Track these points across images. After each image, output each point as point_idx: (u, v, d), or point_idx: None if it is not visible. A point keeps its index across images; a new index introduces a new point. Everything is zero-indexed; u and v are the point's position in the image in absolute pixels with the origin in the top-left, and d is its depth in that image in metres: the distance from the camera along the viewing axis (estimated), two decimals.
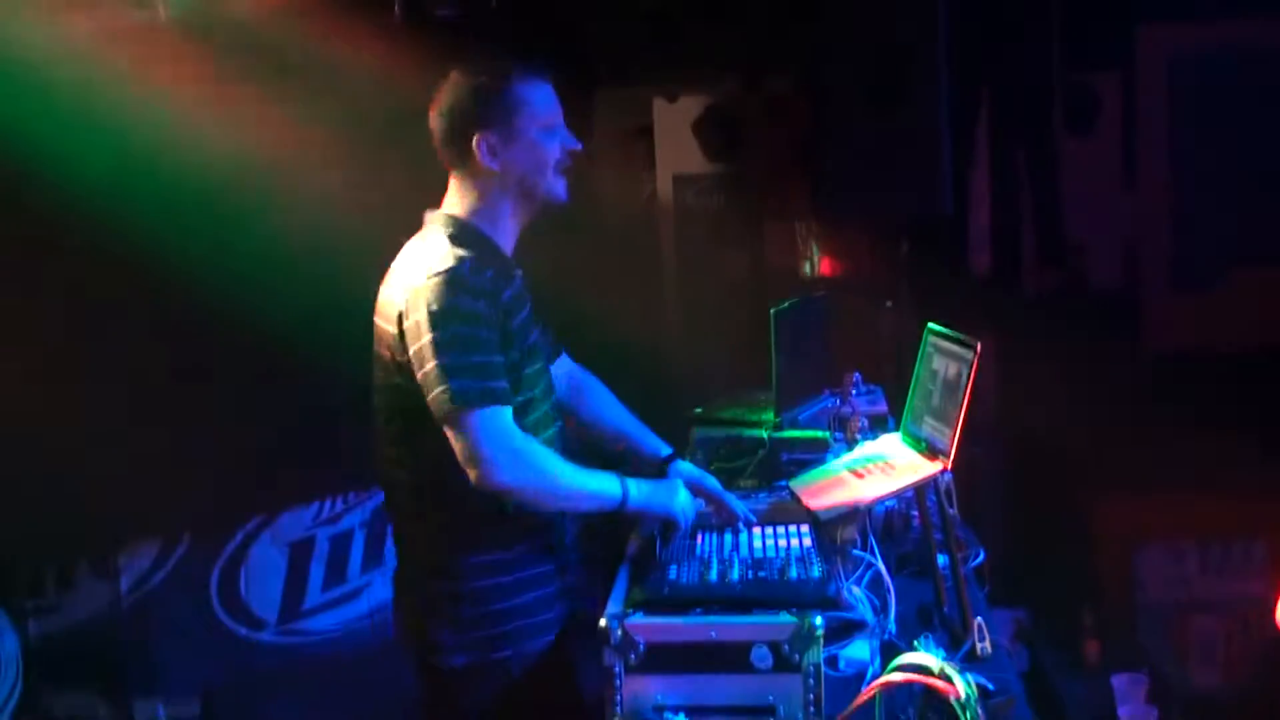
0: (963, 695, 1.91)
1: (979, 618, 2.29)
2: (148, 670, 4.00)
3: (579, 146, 2.48)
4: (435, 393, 2.27)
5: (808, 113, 4.50)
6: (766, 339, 3.13)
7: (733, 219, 5.23)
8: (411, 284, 2.31)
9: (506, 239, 2.47)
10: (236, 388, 3.93)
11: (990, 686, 2.06)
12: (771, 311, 3.14)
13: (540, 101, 2.43)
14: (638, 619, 2.07)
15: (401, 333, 2.32)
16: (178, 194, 3.68)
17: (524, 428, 2.36)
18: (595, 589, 2.51)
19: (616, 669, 2.04)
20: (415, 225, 2.51)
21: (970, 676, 1.99)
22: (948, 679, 1.94)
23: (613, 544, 2.60)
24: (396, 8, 3.95)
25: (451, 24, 4.10)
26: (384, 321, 2.39)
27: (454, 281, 2.28)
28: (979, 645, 2.24)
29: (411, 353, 2.30)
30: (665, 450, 2.76)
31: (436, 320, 2.27)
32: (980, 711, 1.94)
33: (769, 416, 3.21)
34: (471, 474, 2.28)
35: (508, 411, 2.30)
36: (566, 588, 2.49)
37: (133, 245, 3.61)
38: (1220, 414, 4.28)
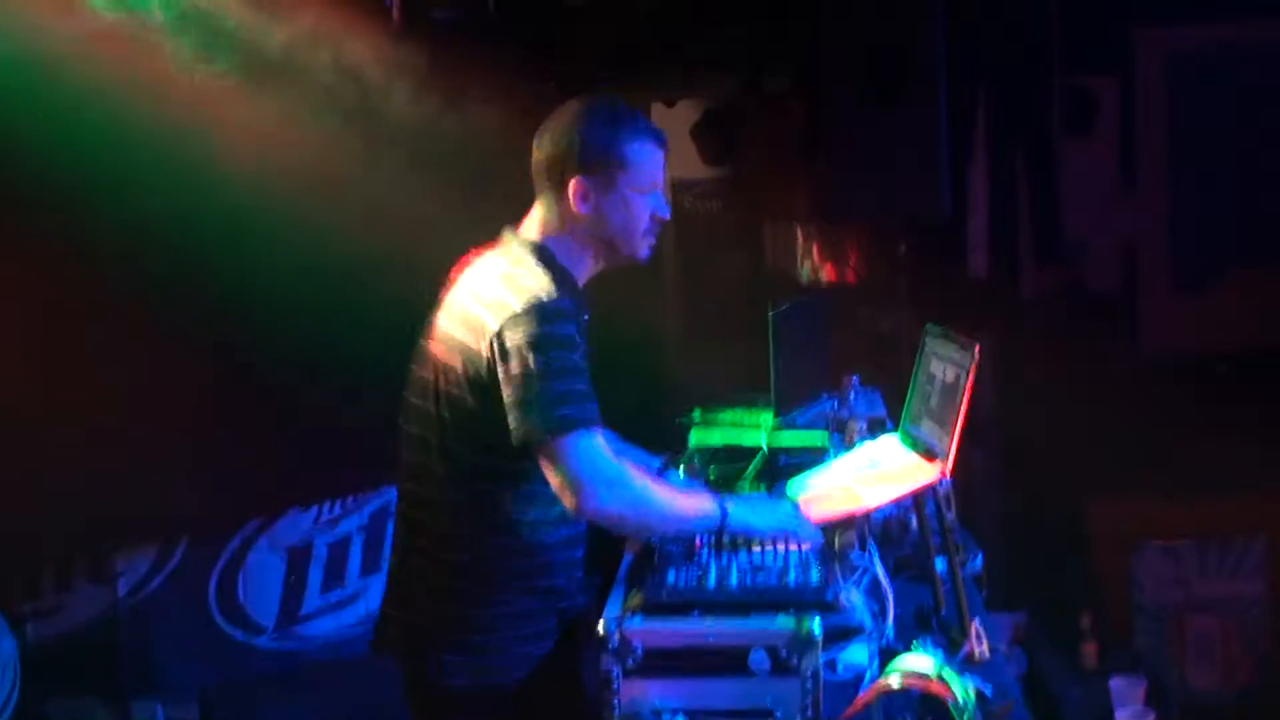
0: (960, 699, 1.91)
1: (977, 621, 2.28)
2: (145, 674, 3.99)
3: (667, 216, 2.46)
4: (531, 418, 2.23)
5: (806, 114, 4.50)
6: (765, 341, 3.12)
7: (731, 222, 5.23)
8: (509, 308, 2.27)
9: (581, 276, 2.45)
10: (235, 391, 3.93)
11: (988, 690, 2.06)
12: (770, 314, 3.13)
13: (645, 164, 2.41)
14: (635, 623, 2.07)
15: (490, 356, 2.27)
16: (177, 196, 3.67)
17: None
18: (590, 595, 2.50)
19: (614, 673, 2.04)
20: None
21: (968, 680, 1.99)
22: (945, 683, 1.94)
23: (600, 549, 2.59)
24: (394, 10, 3.94)
25: (450, 26, 4.09)
26: (467, 338, 2.33)
27: (557, 310, 2.27)
28: (977, 649, 2.24)
29: (502, 376, 2.26)
30: (654, 462, 2.75)
31: (538, 347, 2.23)
32: (978, 715, 1.94)
33: (767, 419, 3.20)
34: (568, 501, 2.26)
35: (602, 436, 2.29)
36: (568, 617, 2.47)
37: (133, 246, 3.62)
38: (1219, 415, 4.29)
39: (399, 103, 3.87)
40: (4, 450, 3.49)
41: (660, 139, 2.45)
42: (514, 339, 2.25)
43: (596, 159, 2.37)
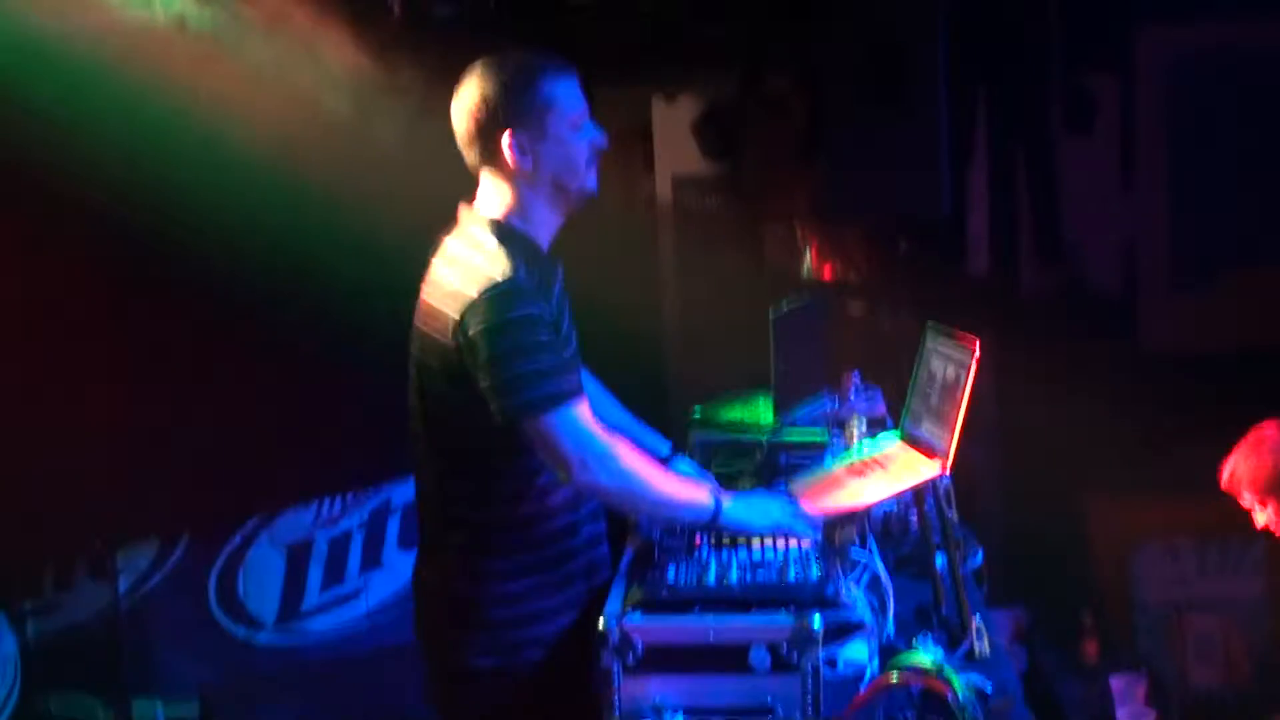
0: (961, 696, 1.91)
1: (977, 618, 2.29)
2: (146, 671, 4.00)
3: (605, 144, 2.44)
4: (507, 403, 2.24)
5: (806, 113, 4.50)
6: (765, 340, 3.12)
7: (732, 220, 5.22)
8: (466, 296, 2.27)
9: (544, 236, 2.44)
10: (235, 388, 3.93)
11: (988, 687, 2.06)
12: (770, 313, 3.14)
13: (567, 98, 2.38)
14: (636, 619, 2.07)
15: (458, 346, 2.28)
16: (178, 194, 3.67)
17: None
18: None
19: (615, 669, 2.04)
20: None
21: (968, 677, 1.99)
22: (946, 679, 1.94)
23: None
24: (395, 7, 3.94)
25: (450, 23, 4.09)
26: (435, 332, 2.34)
27: (513, 291, 2.26)
28: (977, 646, 2.24)
29: (471, 366, 2.26)
30: (665, 447, 2.75)
31: (499, 332, 2.23)
32: (978, 712, 1.94)
33: (768, 418, 3.20)
34: (562, 476, 2.29)
35: (584, 407, 2.29)
36: (592, 588, 2.46)
37: (133, 244, 3.62)
38: (1218, 414, 4.27)
39: (399, 99, 3.88)
40: (4, 448, 3.49)
41: (572, 70, 2.41)
42: (475, 328, 2.25)
43: (522, 110, 2.34)
